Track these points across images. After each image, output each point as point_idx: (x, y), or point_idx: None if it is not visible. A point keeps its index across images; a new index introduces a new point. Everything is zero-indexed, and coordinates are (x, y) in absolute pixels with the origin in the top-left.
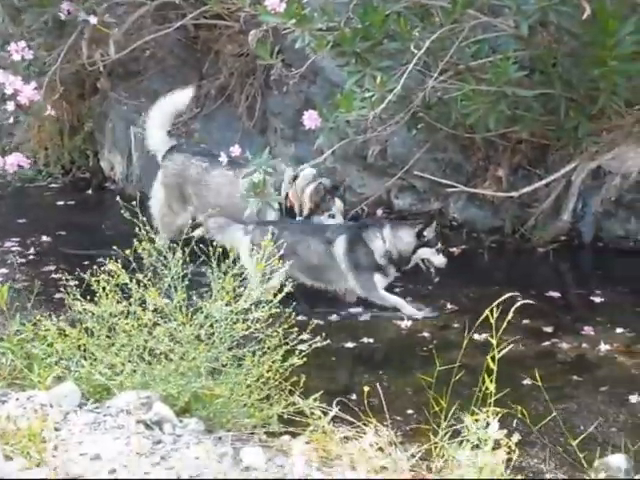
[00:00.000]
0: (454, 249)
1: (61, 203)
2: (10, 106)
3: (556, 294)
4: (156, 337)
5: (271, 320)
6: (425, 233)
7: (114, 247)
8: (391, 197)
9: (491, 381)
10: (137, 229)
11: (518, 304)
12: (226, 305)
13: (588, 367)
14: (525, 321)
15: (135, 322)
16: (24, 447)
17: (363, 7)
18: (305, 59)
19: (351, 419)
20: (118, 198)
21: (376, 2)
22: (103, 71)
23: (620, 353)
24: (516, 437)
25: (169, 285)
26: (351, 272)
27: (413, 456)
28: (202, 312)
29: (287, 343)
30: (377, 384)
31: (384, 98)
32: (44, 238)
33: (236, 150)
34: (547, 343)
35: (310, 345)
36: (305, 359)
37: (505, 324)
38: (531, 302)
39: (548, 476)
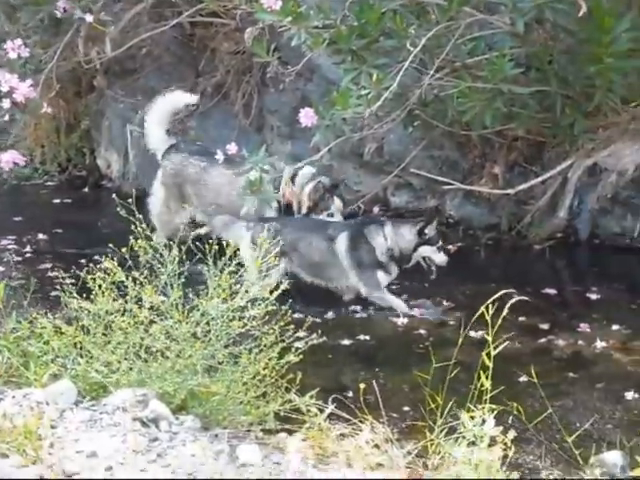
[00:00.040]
0: (450, 246)
1: (57, 201)
2: (6, 104)
3: (552, 291)
4: (152, 335)
5: (267, 317)
6: (426, 231)
7: (110, 245)
8: (387, 195)
9: (487, 378)
10: (133, 227)
11: (513, 300)
12: (222, 302)
13: (584, 364)
14: (521, 318)
15: (131, 320)
16: (20, 444)
17: (359, 5)
18: (301, 57)
19: (347, 416)
20: (114, 196)
21: (372, 0)
22: (99, 69)
23: (616, 350)
24: (512, 434)
25: (165, 283)
26: (354, 270)
27: (409, 453)
28: (198, 310)
29: (283, 340)
30: (373, 381)
31: (380, 96)
32: (40, 236)
33: (232, 148)
34: (543, 340)
35: (306, 342)
36: (301, 356)
37: (501, 321)
38: (526, 299)
39: (544, 473)
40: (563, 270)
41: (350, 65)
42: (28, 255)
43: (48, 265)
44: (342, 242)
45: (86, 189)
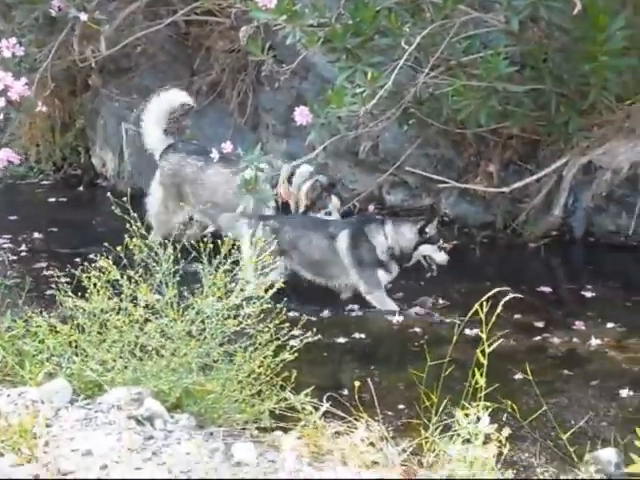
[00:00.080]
0: (446, 245)
1: (52, 200)
2: (1, 102)
3: (547, 289)
4: (147, 333)
5: (262, 316)
6: (427, 230)
7: (105, 244)
8: (383, 193)
9: (481, 375)
10: (128, 225)
11: (507, 298)
12: (217, 301)
13: (579, 361)
14: (516, 316)
15: (126, 318)
16: (15, 443)
17: (354, 3)
18: (296, 55)
19: (342, 414)
20: (109, 194)
21: None
22: (94, 67)
23: (611, 348)
24: (507, 431)
25: (160, 281)
26: (354, 268)
27: (404, 451)
28: (193, 308)
29: (278, 339)
30: (368, 379)
31: (375, 94)
32: (35, 235)
33: (228, 146)
34: (538, 338)
35: (301, 340)
36: (296, 354)
37: (497, 319)
38: (520, 296)
39: (539, 470)
40: (558, 268)
41: (345, 63)
42: (23, 254)
43: (43, 264)
44: (343, 240)
45: (81, 188)
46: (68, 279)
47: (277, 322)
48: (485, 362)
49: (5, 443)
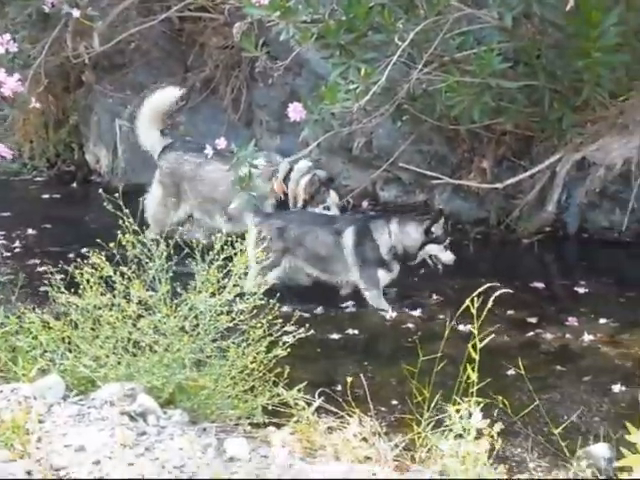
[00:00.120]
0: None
1: (46, 196)
2: None
3: (541, 285)
4: (140, 329)
5: (255, 312)
6: (433, 229)
7: (98, 240)
8: (376, 189)
9: (473, 370)
10: (121, 222)
11: (497, 293)
12: (210, 297)
13: (572, 357)
14: (509, 312)
15: (119, 314)
16: (8, 439)
17: None
18: (290, 51)
19: (335, 410)
20: (100, 191)
21: None
22: (88, 64)
23: (604, 343)
24: (499, 427)
25: (153, 277)
26: (356, 265)
27: (397, 446)
28: (186, 304)
29: (271, 334)
30: (361, 375)
31: (368, 90)
32: (29, 231)
33: (222, 143)
34: (531, 333)
35: (294, 336)
36: (289, 350)
37: (490, 315)
38: (510, 291)
39: (531, 465)
40: (551, 264)
41: (338, 59)
42: (17, 250)
43: (37, 260)
44: (349, 237)
45: (75, 184)
46: (61, 275)
47: (270, 318)
48: (477, 357)
49: None
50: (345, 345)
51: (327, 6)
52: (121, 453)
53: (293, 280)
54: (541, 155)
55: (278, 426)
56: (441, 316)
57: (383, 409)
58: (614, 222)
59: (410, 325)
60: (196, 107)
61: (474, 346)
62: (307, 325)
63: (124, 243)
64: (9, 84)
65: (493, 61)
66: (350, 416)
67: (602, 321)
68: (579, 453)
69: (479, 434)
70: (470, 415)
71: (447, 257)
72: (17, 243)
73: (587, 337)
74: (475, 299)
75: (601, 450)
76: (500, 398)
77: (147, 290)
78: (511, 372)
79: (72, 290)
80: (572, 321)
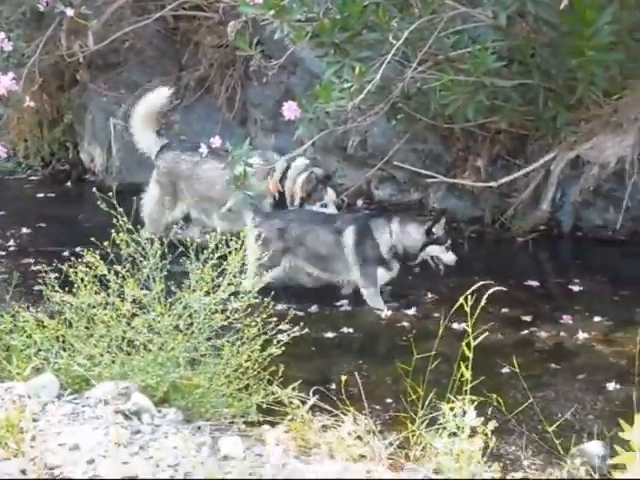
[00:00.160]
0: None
1: (41, 195)
2: None
3: (535, 283)
4: (135, 328)
5: (250, 310)
6: (434, 230)
7: (92, 239)
8: (371, 188)
9: (467, 368)
10: (115, 221)
11: (491, 291)
12: (205, 295)
13: (566, 355)
14: (504, 310)
15: (114, 313)
16: (2, 438)
17: None
18: (284, 50)
19: (330, 408)
20: (94, 189)
21: None
22: (82, 62)
23: (598, 341)
24: (493, 424)
25: (147, 276)
26: (357, 264)
27: (391, 444)
28: (181, 302)
29: (266, 333)
30: (356, 373)
31: (363, 89)
32: (24, 230)
33: (216, 141)
34: (526, 332)
35: (289, 335)
36: (284, 349)
37: (485, 313)
38: (504, 289)
39: (525, 463)
40: (546, 262)
41: (333, 58)
42: (11, 249)
43: (31, 259)
44: (349, 236)
45: (69, 183)
46: (56, 274)
47: (265, 316)
48: (471, 355)
49: None
50: (340, 343)
51: (321, 5)
52: (115, 452)
53: (293, 280)
54: (535, 154)
55: (273, 424)
56: (436, 314)
57: (377, 407)
58: (608, 220)
59: (405, 323)
60: (191, 106)
61: (468, 344)
62: (302, 323)
63: (118, 242)
64: (3, 83)
65: (487, 60)
66: (345, 414)
67: (596, 319)
68: (573, 451)
69: (473, 432)
70: (464, 413)
71: (449, 258)
72: (11, 242)
73: (581, 335)
74: (469, 297)
75: (595, 448)
76: (494, 396)
77: (141, 289)
78: (505, 370)
79: (66, 289)
80: (566, 319)
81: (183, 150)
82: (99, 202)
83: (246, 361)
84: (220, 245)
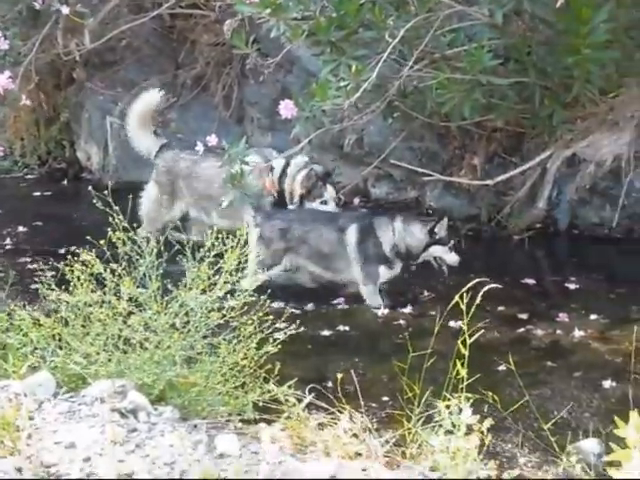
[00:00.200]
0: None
1: (37, 194)
2: None
3: (531, 281)
4: (131, 326)
5: (246, 308)
6: (437, 230)
7: (88, 237)
8: (368, 186)
9: (463, 366)
10: (111, 219)
11: (486, 288)
12: (201, 294)
13: (562, 353)
14: (500, 308)
15: (110, 311)
16: None
17: None
18: (281, 48)
19: (326, 406)
20: (90, 188)
21: None
22: (79, 61)
23: (594, 339)
24: (489, 422)
25: (144, 274)
26: (359, 262)
27: (387, 442)
28: (177, 301)
29: (262, 331)
30: (352, 371)
31: (359, 87)
32: (20, 229)
33: (213, 140)
34: (522, 330)
35: (285, 333)
36: (280, 347)
37: (481, 311)
38: (499, 286)
39: (521, 460)
40: (542, 260)
41: (329, 56)
42: (8, 247)
43: (27, 258)
44: (352, 234)
45: (66, 182)
46: (52, 273)
47: (261, 315)
48: (466, 353)
49: None
50: (336, 341)
51: (318, 3)
52: (111, 450)
53: (292, 279)
54: (532, 152)
55: (269, 422)
56: (432, 312)
57: (374, 405)
58: (604, 218)
59: (401, 321)
60: (187, 104)
61: (464, 342)
62: (298, 321)
63: (114, 240)
64: (0, 81)
65: (484, 58)
66: (341, 412)
67: (592, 317)
68: (569, 448)
69: (469, 430)
70: (460, 411)
71: (452, 258)
72: (8, 240)
73: (577, 333)
74: (465, 295)
75: (591, 445)
76: (490, 394)
77: (137, 287)
78: (501, 368)
79: (63, 287)
80: (563, 317)
81: (182, 149)
82: (95, 200)
83: (242, 359)
84: (216, 243)
